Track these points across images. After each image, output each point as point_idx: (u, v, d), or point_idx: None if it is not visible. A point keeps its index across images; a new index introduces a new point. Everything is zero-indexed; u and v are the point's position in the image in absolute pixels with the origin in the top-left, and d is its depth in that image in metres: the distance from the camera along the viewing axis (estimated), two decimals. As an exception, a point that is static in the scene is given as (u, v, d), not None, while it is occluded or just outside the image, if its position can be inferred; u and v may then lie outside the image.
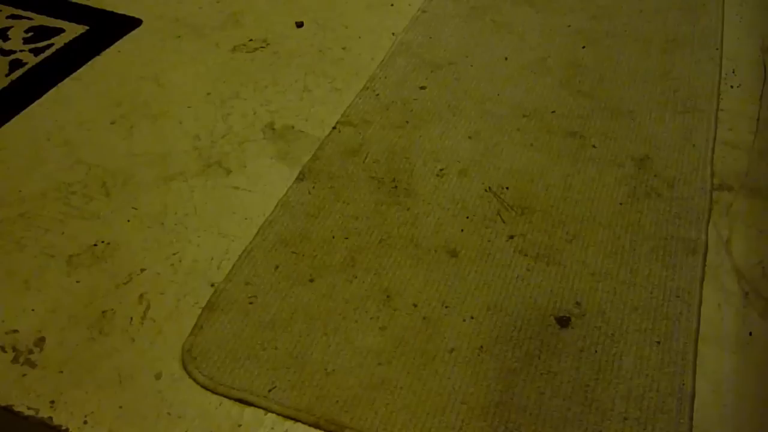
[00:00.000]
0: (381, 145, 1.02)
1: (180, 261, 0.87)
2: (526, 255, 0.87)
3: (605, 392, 0.73)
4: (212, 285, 0.84)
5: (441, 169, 0.99)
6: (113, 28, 1.27)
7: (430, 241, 0.88)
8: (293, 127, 1.06)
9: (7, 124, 1.06)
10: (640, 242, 0.88)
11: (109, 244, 0.89)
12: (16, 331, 0.79)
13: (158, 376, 0.75)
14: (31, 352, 0.77)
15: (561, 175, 0.98)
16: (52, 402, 0.73)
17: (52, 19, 1.29)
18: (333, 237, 0.89)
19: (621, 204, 0.93)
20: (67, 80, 1.15)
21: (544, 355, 0.76)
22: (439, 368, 0.75)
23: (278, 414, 0.72)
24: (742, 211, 0.93)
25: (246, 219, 0.92)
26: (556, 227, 0.90)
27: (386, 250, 0.87)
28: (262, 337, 0.78)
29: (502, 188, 0.96)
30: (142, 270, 0.86)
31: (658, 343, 0.77)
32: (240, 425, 0.71)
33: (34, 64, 1.18)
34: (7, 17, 1.29)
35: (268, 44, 1.23)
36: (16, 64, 1.18)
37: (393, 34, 1.26)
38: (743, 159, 1.00)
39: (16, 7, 1.32)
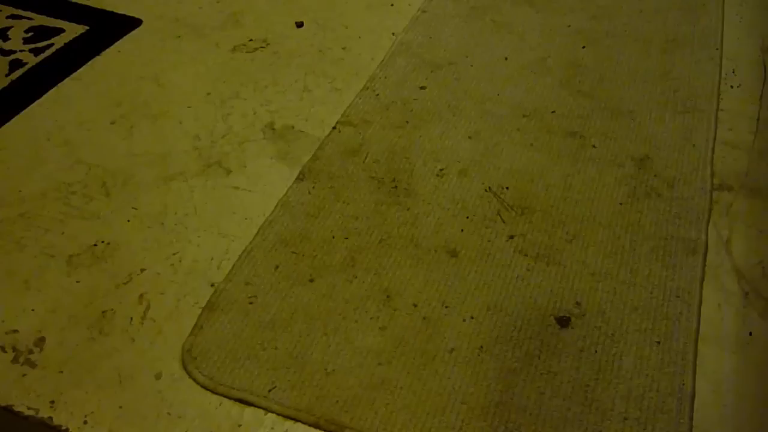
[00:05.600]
0: (381, 145, 1.02)
1: (180, 261, 0.87)
2: (526, 255, 0.87)
3: (605, 392, 0.73)
4: (212, 285, 0.84)
5: (441, 169, 0.99)
6: (113, 28, 1.27)
7: (430, 241, 0.88)
8: (293, 127, 1.06)
9: (7, 124, 1.06)
10: (640, 242, 0.88)
11: (109, 244, 0.89)
12: (16, 331, 0.79)
13: (158, 376, 0.75)
14: (31, 352, 0.77)
15: (561, 175, 0.98)
16: (52, 402, 0.73)
17: (52, 19, 1.29)
18: (333, 237, 0.89)
19: (621, 204, 0.93)
20: (67, 80, 1.15)
21: (544, 355, 0.76)
22: (439, 368, 0.75)
23: (278, 414, 0.72)
24: (742, 211, 0.93)
25: (246, 219, 0.92)
26: (556, 227, 0.90)
27: (386, 250, 0.87)
28: (262, 337, 0.78)
29: (502, 188, 0.96)
30: (142, 270, 0.86)
31: (658, 343, 0.77)
32: (240, 425, 0.71)
33: (34, 64, 1.18)
34: (7, 17, 1.29)
35: (268, 44, 1.23)
36: (16, 64, 1.18)
37: (393, 34, 1.26)
38: (743, 159, 1.00)
39: (16, 7, 1.32)
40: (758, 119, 1.07)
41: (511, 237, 0.89)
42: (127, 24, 1.28)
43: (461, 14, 1.31)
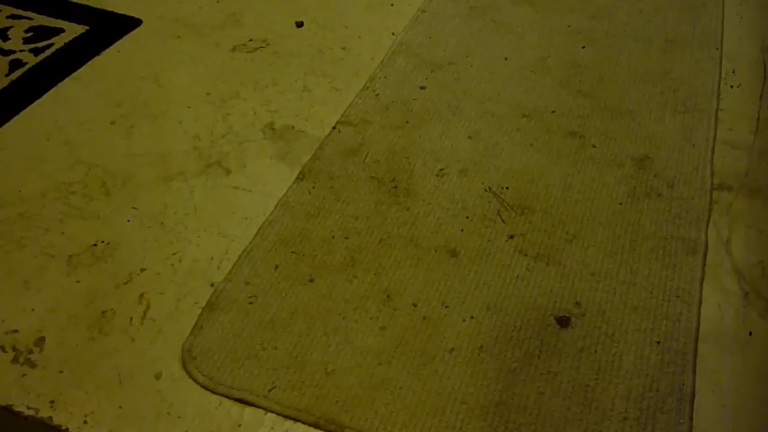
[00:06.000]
0: (381, 145, 1.02)
1: (180, 261, 0.87)
2: (526, 255, 0.87)
3: (605, 392, 0.73)
4: (212, 285, 0.84)
5: (441, 169, 0.99)
6: (113, 28, 1.27)
7: (430, 241, 0.88)
8: (293, 127, 1.06)
9: (7, 124, 1.06)
10: (640, 242, 0.88)
11: (109, 244, 0.89)
12: (16, 331, 0.79)
13: (158, 376, 0.75)
14: (31, 352, 0.77)
15: (561, 175, 0.98)
16: (52, 402, 0.73)
17: (52, 19, 1.29)
18: (333, 237, 0.89)
19: (621, 204, 0.93)
20: (67, 80, 1.15)
21: (544, 355, 0.76)
22: (439, 368, 0.75)
23: (278, 414, 0.72)
24: (742, 211, 0.93)
25: (246, 219, 0.92)
26: (556, 227, 0.90)
27: (386, 250, 0.87)
28: (262, 337, 0.78)
29: (502, 188, 0.96)
30: (142, 270, 0.86)
31: (658, 343, 0.77)
32: (240, 425, 0.71)
33: (34, 64, 1.18)
34: (7, 17, 1.29)
35: (268, 44, 1.23)
36: (16, 64, 1.18)
37: (393, 34, 1.26)
38: (743, 159, 1.00)
39: (16, 7, 1.32)
40: (758, 119, 1.07)
41: (511, 237, 0.89)
42: (127, 24, 1.28)
43: (461, 14, 1.31)
